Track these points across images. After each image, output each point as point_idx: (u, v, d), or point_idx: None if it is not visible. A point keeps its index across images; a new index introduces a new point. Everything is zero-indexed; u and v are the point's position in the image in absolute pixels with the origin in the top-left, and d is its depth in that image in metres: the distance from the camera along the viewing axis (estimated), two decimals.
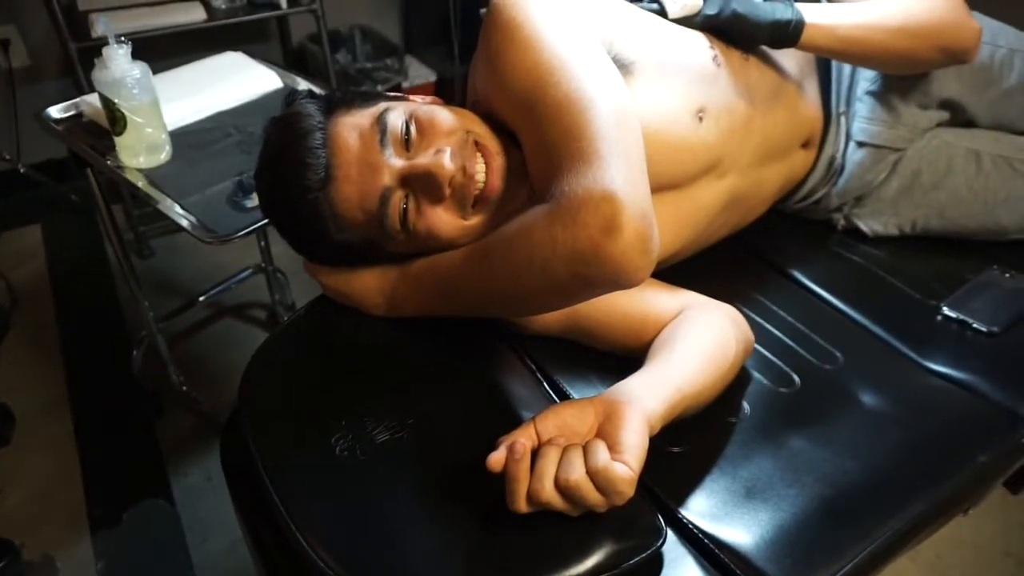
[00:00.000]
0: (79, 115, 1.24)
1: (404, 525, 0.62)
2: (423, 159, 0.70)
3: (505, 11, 0.73)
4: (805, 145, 1.04)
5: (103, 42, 1.04)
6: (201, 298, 1.81)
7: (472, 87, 0.82)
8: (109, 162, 1.13)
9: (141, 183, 1.09)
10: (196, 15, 1.96)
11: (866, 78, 1.05)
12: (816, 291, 1.01)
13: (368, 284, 0.79)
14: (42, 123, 1.22)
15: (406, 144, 0.71)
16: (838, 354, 0.89)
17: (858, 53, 0.95)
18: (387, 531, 0.61)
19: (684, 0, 0.87)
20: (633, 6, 0.87)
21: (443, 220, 0.72)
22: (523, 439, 0.57)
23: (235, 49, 1.45)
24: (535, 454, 0.58)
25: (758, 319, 0.94)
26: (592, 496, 0.56)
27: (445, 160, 0.68)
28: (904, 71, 1.02)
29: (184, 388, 1.61)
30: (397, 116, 0.71)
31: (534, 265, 0.63)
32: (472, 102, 0.82)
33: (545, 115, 0.67)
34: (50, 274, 2.04)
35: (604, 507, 0.58)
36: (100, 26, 1.05)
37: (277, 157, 0.72)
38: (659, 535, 0.62)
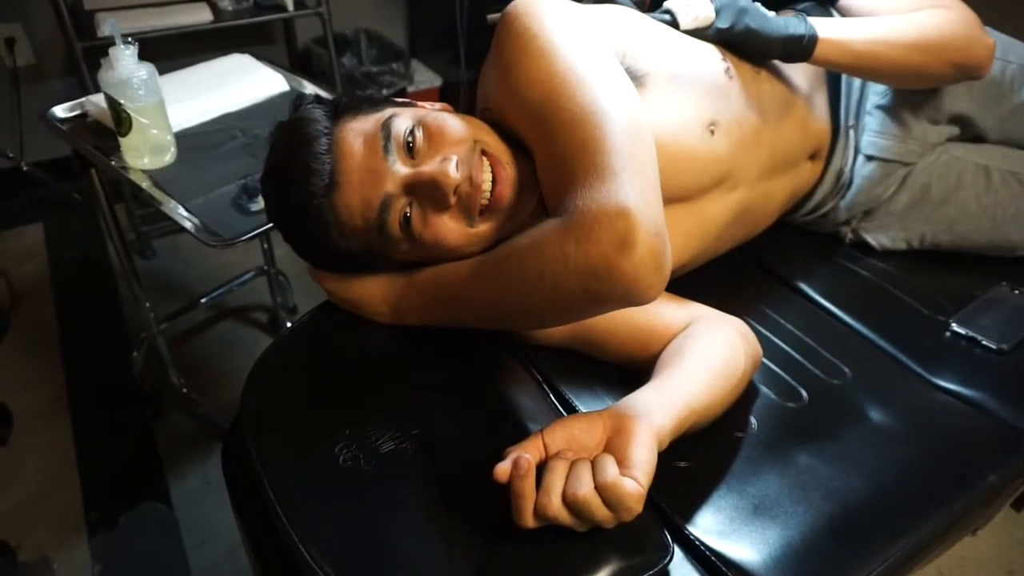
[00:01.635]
0: (84, 115, 1.23)
1: (407, 538, 0.61)
2: (428, 167, 0.69)
3: (519, 20, 0.72)
4: (812, 157, 1.03)
5: (109, 42, 1.04)
6: (203, 300, 1.80)
7: (483, 94, 0.81)
8: (113, 163, 1.12)
9: (145, 184, 1.09)
10: (202, 16, 1.95)
11: (876, 92, 1.05)
12: (824, 305, 1.01)
13: (373, 292, 0.78)
14: (47, 123, 1.21)
15: (411, 151, 0.70)
16: (846, 369, 0.89)
17: (871, 68, 0.94)
18: (390, 544, 0.60)
19: (696, 12, 0.86)
20: (646, 17, 0.87)
21: (449, 228, 0.71)
22: (529, 453, 0.57)
23: (241, 51, 1.45)
24: (542, 467, 0.57)
25: (766, 332, 0.93)
26: (600, 511, 0.55)
27: (451, 169, 0.68)
28: (916, 86, 1.02)
29: (184, 390, 1.61)
30: (403, 122, 0.70)
31: (545, 280, 0.62)
32: (482, 109, 0.81)
33: (559, 128, 0.67)
34: (51, 273, 2.03)
35: (612, 523, 0.57)
36: (107, 27, 1.04)
37: (282, 163, 0.71)
38: (666, 552, 0.62)
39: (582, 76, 0.68)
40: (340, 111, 0.73)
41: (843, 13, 1.02)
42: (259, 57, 1.42)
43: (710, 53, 0.88)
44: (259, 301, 1.89)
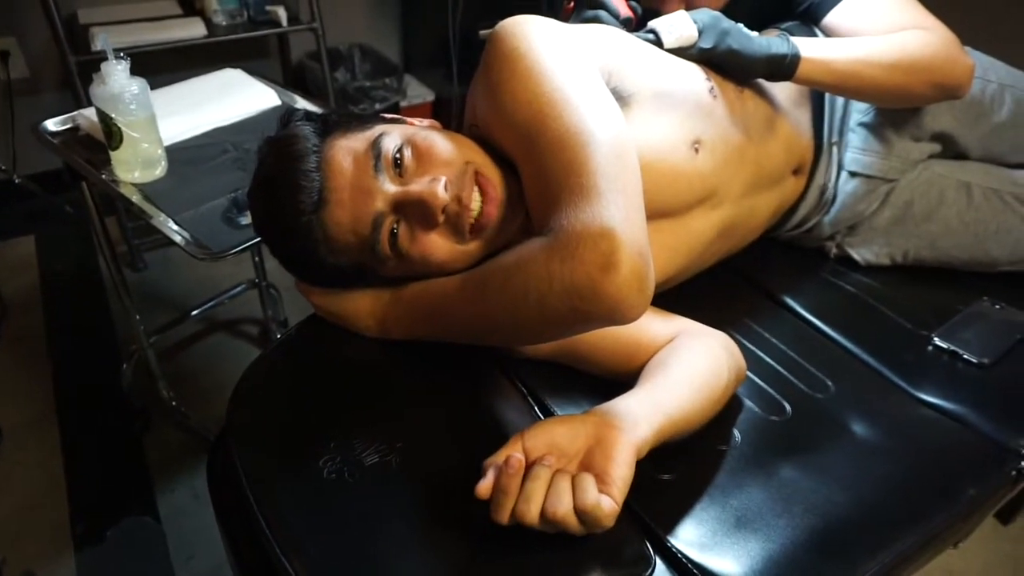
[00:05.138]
0: (76, 128, 1.24)
1: (391, 550, 0.61)
2: (416, 186, 0.70)
3: (507, 41, 0.73)
4: (796, 172, 1.05)
5: (103, 56, 1.05)
6: (193, 312, 1.80)
7: (471, 111, 0.82)
8: (104, 176, 1.13)
9: (136, 198, 1.09)
10: (196, 31, 1.97)
11: (859, 109, 1.06)
12: (808, 319, 1.02)
13: (360, 306, 0.78)
14: (39, 136, 1.22)
15: (400, 169, 0.71)
16: (829, 383, 0.89)
17: (853, 87, 0.96)
18: (374, 556, 0.61)
19: (679, 32, 0.88)
20: (632, 37, 0.88)
21: (437, 245, 0.72)
22: (518, 455, 0.58)
23: (235, 65, 1.46)
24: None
25: (750, 346, 0.94)
26: (574, 527, 0.58)
27: (439, 189, 0.69)
28: (898, 105, 1.03)
29: (174, 403, 1.60)
30: (392, 141, 0.71)
31: (530, 298, 0.63)
32: (469, 125, 0.83)
33: (545, 148, 0.68)
34: (42, 286, 2.03)
35: (582, 534, 0.59)
36: (99, 41, 1.04)
37: (271, 179, 0.72)
38: (648, 564, 0.62)
39: (568, 97, 0.69)
40: (329, 128, 0.74)
41: (827, 33, 1.04)
42: (253, 72, 1.43)
43: (694, 73, 0.89)
44: (250, 314, 1.90)
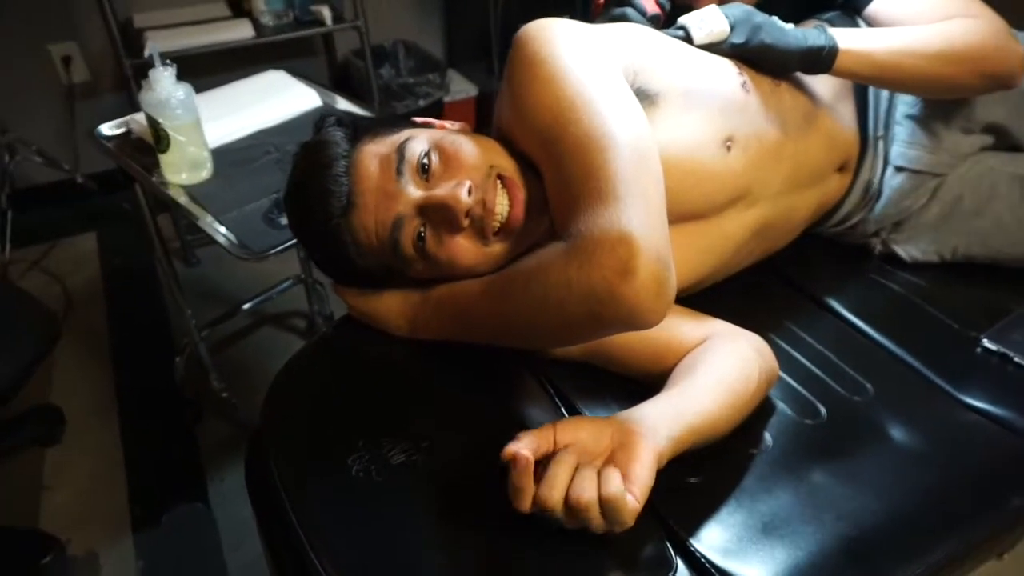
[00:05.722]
0: (128, 132, 1.29)
1: (412, 548, 0.63)
2: (441, 191, 0.71)
3: (529, 45, 0.74)
4: (841, 169, 1.02)
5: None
6: (244, 307, 1.86)
7: (498, 115, 0.83)
8: (154, 178, 1.17)
9: (183, 199, 1.14)
10: (245, 32, 2.02)
11: (905, 102, 1.03)
12: (849, 319, 0.99)
13: (391, 307, 0.80)
14: (95, 140, 1.28)
15: (426, 174, 0.72)
16: (868, 385, 0.87)
17: (895, 79, 0.93)
18: (396, 554, 0.62)
19: (710, 27, 0.86)
20: (659, 34, 0.87)
21: (463, 248, 0.73)
22: (536, 441, 0.59)
23: (282, 64, 1.50)
24: (546, 460, 0.59)
25: (786, 347, 0.92)
26: (596, 519, 0.57)
27: (462, 194, 0.69)
28: (945, 96, 1.00)
29: (224, 395, 1.66)
30: (418, 145, 0.72)
31: (549, 303, 0.64)
32: (497, 128, 0.83)
33: (565, 152, 0.68)
34: (103, 280, 2.12)
35: (602, 531, 0.59)
36: (148, 49, 1.08)
37: (303, 184, 0.74)
38: (669, 567, 0.62)
39: (589, 101, 0.69)
40: (359, 133, 0.76)
41: (870, 23, 1.01)
42: (300, 70, 1.46)
43: (726, 68, 0.88)
44: (297, 308, 1.95)
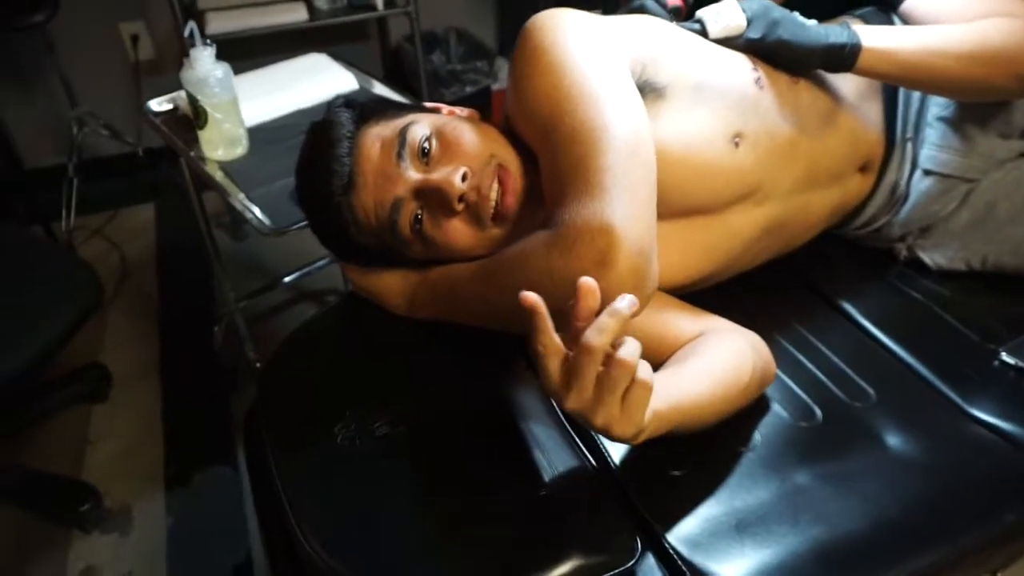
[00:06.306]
0: (176, 108, 1.36)
1: (389, 516, 0.65)
2: (436, 175, 0.73)
3: (535, 35, 0.75)
4: (863, 169, 0.99)
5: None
6: (286, 279, 1.92)
7: (506, 104, 0.84)
8: (193, 153, 1.23)
9: (219, 175, 1.19)
10: (299, 15, 2.08)
11: (938, 103, 0.99)
12: (862, 324, 0.97)
13: (391, 285, 0.83)
14: (144, 115, 1.34)
15: (426, 158, 0.74)
16: (871, 392, 0.85)
17: (923, 80, 0.90)
18: (373, 521, 0.65)
19: (726, 21, 0.85)
20: (674, 27, 0.87)
21: (459, 231, 0.75)
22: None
23: (336, 48, 1.54)
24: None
25: (791, 349, 0.91)
26: (617, 391, 0.53)
27: (456, 179, 0.71)
28: (979, 99, 0.96)
29: (258, 365, 1.73)
30: (419, 129, 0.74)
31: (532, 288, 0.64)
32: (505, 117, 0.84)
33: (559, 142, 0.69)
34: (157, 250, 2.23)
35: (605, 422, 0.55)
36: (186, 29, 1.14)
37: (309, 162, 0.77)
38: (632, 554, 0.63)
39: (587, 92, 0.69)
40: (366, 115, 0.78)
41: (905, 20, 0.98)
42: (353, 54, 1.50)
43: (740, 63, 0.86)
44: (333, 286, 2.01)
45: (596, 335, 0.52)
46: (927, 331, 0.95)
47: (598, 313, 0.54)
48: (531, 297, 0.53)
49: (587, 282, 0.53)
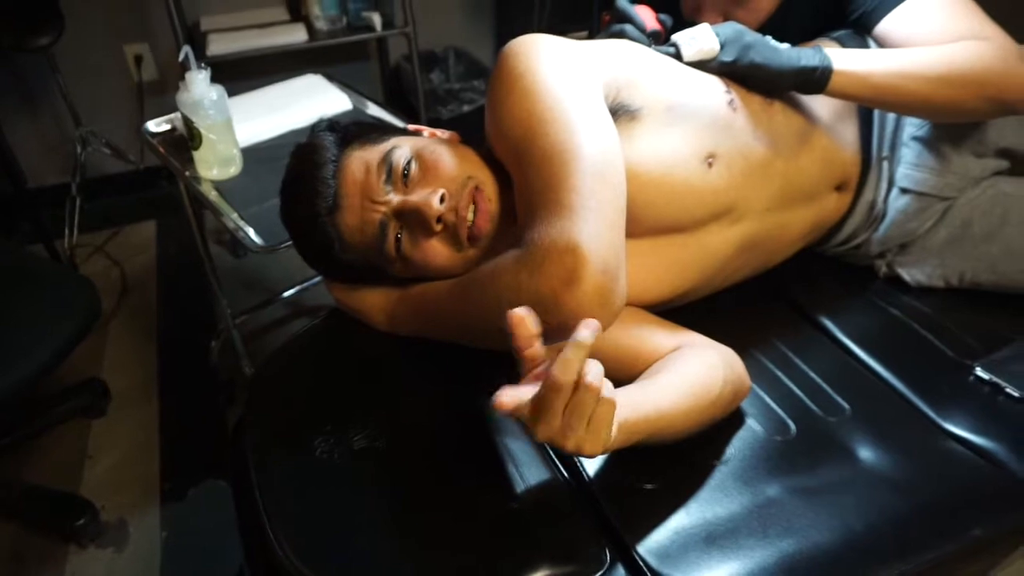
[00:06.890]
0: (172, 129, 1.39)
1: (363, 528, 0.67)
2: (415, 197, 0.75)
3: (511, 60, 0.77)
4: (840, 188, 1.01)
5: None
6: (285, 294, 1.95)
7: (485, 127, 0.86)
8: (188, 173, 1.26)
9: (212, 194, 1.22)
10: (299, 36, 2.12)
11: (912, 123, 1.01)
12: (840, 340, 0.98)
13: (373, 302, 0.85)
14: (141, 136, 1.38)
15: (406, 180, 0.77)
16: (847, 407, 0.87)
17: (895, 102, 0.92)
18: (347, 532, 0.66)
19: (700, 45, 0.88)
20: (649, 51, 0.89)
21: (437, 251, 0.77)
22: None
23: (337, 67, 1.58)
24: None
25: (769, 364, 0.93)
26: (583, 414, 0.56)
27: (434, 201, 0.74)
28: (951, 120, 0.98)
29: None
30: (402, 153, 0.77)
31: (502, 306, 0.66)
32: (485, 139, 0.87)
33: (531, 164, 0.71)
34: (158, 266, 2.26)
35: (573, 440, 0.57)
36: (182, 53, 1.17)
37: (293, 183, 0.80)
38: (600, 565, 0.64)
39: (558, 116, 0.72)
40: (349, 139, 0.81)
41: (879, 43, 1.00)
42: (354, 73, 1.53)
43: (713, 85, 0.89)
44: (330, 302, 2.02)
45: (563, 372, 0.53)
46: (904, 347, 0.97)
47: (565, 335, 0.55)
48: (516, 314, 0.56)
49: (516, 314, 0.56)
